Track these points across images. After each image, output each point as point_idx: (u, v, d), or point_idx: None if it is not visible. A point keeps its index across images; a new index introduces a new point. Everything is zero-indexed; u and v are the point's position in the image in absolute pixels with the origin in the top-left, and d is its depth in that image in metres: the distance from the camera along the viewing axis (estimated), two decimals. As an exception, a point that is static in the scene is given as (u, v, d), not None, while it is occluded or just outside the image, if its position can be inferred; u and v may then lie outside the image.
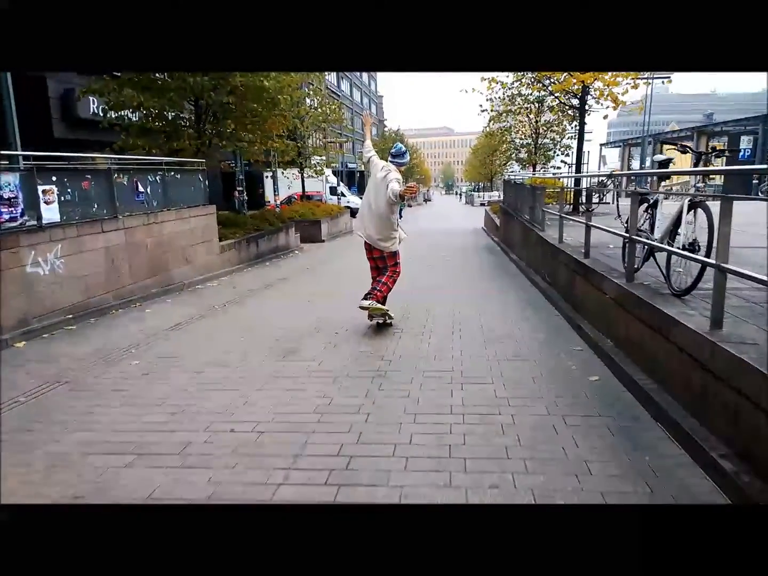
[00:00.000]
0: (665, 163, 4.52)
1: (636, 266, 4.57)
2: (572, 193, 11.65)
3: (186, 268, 9.34)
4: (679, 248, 3.72)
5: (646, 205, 4.61)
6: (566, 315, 5.60)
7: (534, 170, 19.11)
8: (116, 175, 7.79)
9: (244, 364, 4.52)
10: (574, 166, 13.38)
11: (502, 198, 20.11)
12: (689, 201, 3.81)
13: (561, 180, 15.86)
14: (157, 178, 8.88)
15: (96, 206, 7.26)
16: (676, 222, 4.01)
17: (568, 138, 18.72)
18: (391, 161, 5.47)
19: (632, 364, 3.75)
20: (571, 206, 12.02)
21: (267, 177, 25.78)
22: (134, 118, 11.68)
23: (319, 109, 20.67)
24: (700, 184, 3.94)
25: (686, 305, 3.50)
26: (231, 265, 11.13)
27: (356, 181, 53.60)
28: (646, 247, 4.41)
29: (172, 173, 9.38)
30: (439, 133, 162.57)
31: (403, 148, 5.59)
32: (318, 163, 21.74)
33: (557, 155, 18.80)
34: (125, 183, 8.02)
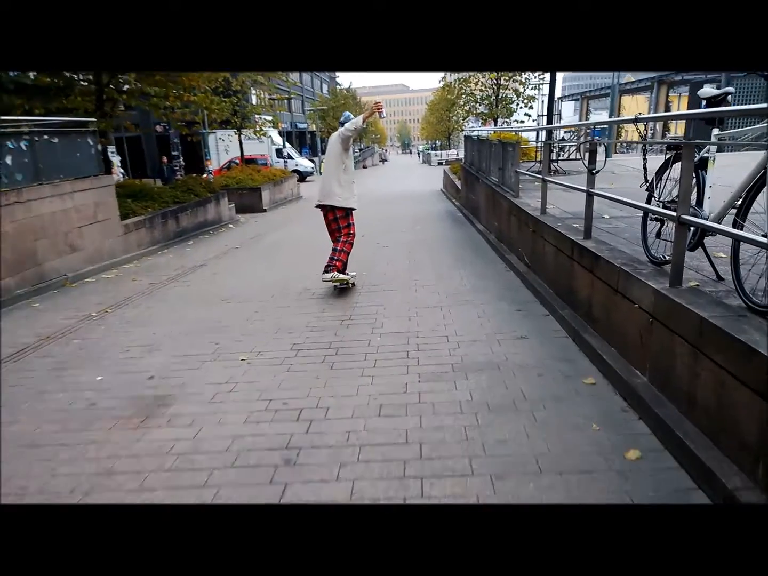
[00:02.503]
0: (718, 99, 2.96)
1: (663, 256, 3.08)
2: (546, 149, 10.05)
3: (71, 257, 7.35)
4: (765, 234, 2.24)
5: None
6: (561, 319, 4.10)
7: (495, 125, 17.43)
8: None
9: (75, 441, 2.82)
10: (544, 117, 11.79)
11: (462, 157, 18.42)
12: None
13: (522, 134, 14.30)
14: (22, 143, 6.75)
15: None
16: (751, 191, 2.51)
17: (532, 89, 17.09)
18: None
19: (700, 432, 2.28)
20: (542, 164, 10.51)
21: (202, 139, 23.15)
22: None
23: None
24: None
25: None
26: (140, 247, 9.17)
27: (307, 142, 50.62)
28: (693, 229, 2.90)
29: (46, 137, 7.23)
30: (394, 91, 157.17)
31: (351, 116, 5.66)
32: (259, 121, 19.35)
33: (520, 107, 17.15)
34: (-35, 151, 5.94)
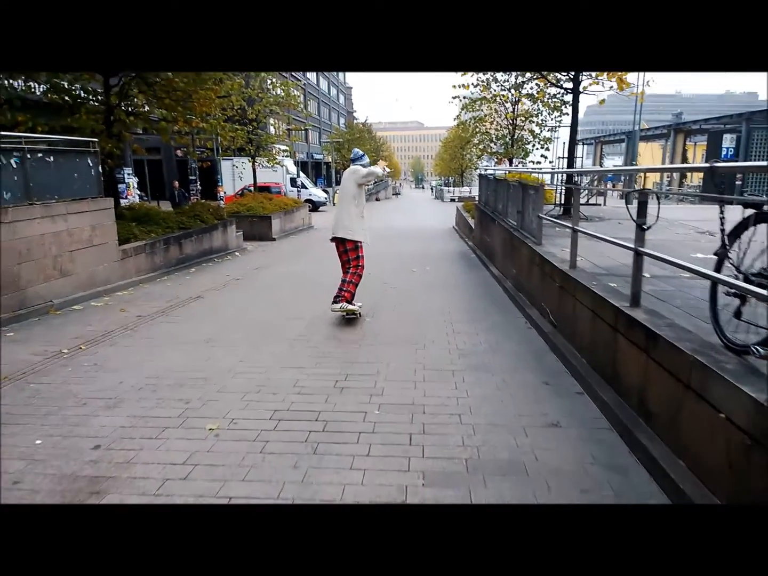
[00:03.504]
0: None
1: (756, 349, 2.37)
2: (564, 192, 9.54)
3: (60, 283, 6.86)
4: None
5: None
6: (602, 402, 3.40)
7: (510, 164, 17.02)
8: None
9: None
10: (564, 159, 11.32)
11: (476, 195, 18.01)
12: None
13: (540, 176, 13.86)
14: (12, 161, 6.34)
15: None
16: None
17: (548, 131, 16.72)
18: (353, 166, 5.77)
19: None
20: (561, 208, 9.96)
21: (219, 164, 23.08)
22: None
23: (273, 91, 18.12)
24: None
25: None
26: (139, 273, 8.69)
27: (323, 172, 50.98)
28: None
29: (40, 155, 6.83)
30: (409, 128, 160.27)
31: (360, 152, 5.91)
32: (275, 150, 19.20)
33: (536, 149, 16.75)
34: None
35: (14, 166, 6.34)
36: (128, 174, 20.86)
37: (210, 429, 3.22)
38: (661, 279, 4.31)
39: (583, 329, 4.05)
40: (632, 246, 3.26)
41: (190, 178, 22.14)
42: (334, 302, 5.57)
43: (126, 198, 19.96)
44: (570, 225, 4.70)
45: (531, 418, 3.31)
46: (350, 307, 5.61)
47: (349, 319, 5.89)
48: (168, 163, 28.48)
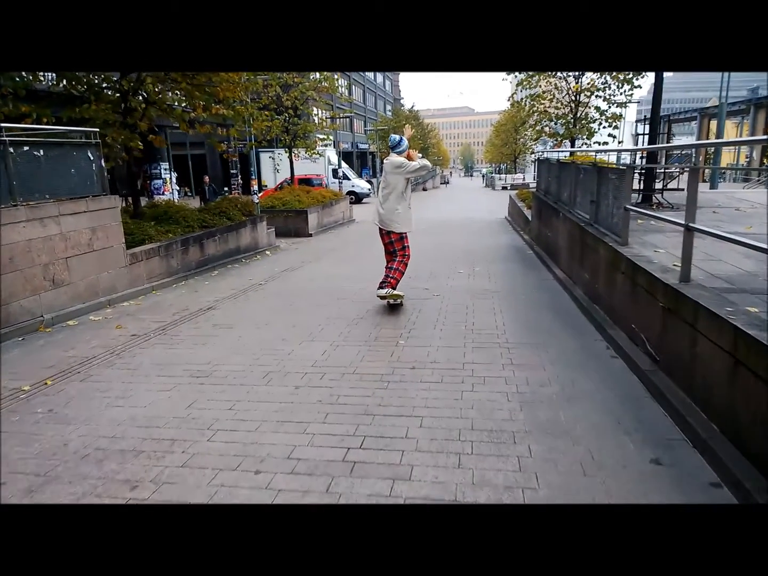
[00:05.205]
0: None
1: None
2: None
3: (51, 295, 6.04)
4: None
5: None
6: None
7: (572, 146, 15.21)
8: None
9: None
10: (645, 137, 9.59)
11: (530, 182, 16.31)
12: None
13: (600, 156, 12.08)
14: (-9, 155, 5.52)
15: None
16: None
17: (617, 107, 14.78)
18: (393, 153, 5.78)
19: None
20: (640, 195, 8.31)
21: (265, 156, 22.35)
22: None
23: (310, 76, 17.06)
24: None
25: None
26: (152, 279, 7.84)
27: (368, 162, 49.92)
28: None
29: (26, 147, 5.99)
30: (459, 113, 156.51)
31: (397, 138, 5.86)
32: (314, 140, 18.19)
33: (602, 127, 14.84)
34: None
35: (-7, 161, 5.53)
36: (165, 169, 20.41)
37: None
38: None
39: (711, 377, 2.66)
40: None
41: (231, 172, 21.56)
42: (380, 288, 5.70)
43: (163, 194, 19.53)
44: (681, 221, 3.27)
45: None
46: (395, 292, 5.74)
47: (379, 340, 4.76)
48: (211, 157, 28.09)
